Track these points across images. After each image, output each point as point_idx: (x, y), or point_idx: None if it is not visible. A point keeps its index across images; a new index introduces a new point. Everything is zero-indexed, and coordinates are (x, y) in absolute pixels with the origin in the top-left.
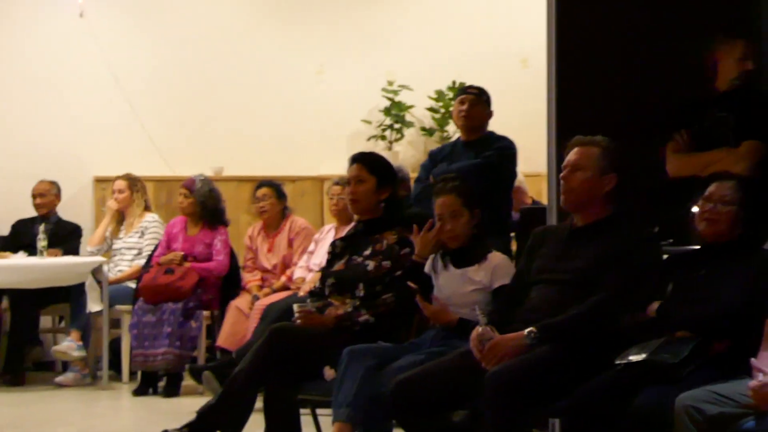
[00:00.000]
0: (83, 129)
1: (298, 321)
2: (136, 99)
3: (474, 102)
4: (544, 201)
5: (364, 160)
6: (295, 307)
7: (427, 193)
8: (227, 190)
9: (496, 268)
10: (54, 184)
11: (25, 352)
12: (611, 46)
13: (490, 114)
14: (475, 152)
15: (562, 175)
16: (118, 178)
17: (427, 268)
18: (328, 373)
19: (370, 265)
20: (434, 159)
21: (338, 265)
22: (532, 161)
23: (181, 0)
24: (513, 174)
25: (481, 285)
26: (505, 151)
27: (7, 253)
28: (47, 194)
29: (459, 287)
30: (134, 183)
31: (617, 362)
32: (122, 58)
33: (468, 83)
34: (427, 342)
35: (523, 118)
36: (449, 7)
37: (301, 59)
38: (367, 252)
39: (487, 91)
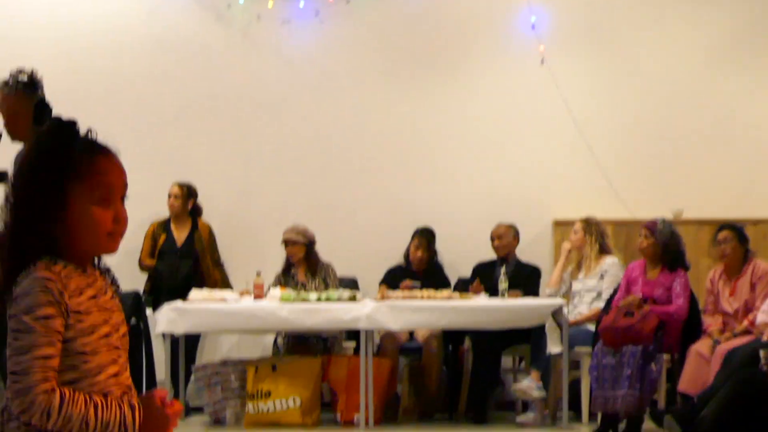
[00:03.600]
0: (544, 173)
1: (766, 368)
2: (595, 143)
3: None
4: None
5: None
6: (762, 353)
7: None
8: (687, 232)
9: None
10: (512, 227)
11: (487, 391)
12: None
13: None
14: None
15: None
16: (578, 221)
17: None
18: None
19: None
20: None
21: None
22: None
23: (640, 44)
24: None
25: None
26: None
27: (470, 294)
28: (505, 236)
29: None
30: (589, 225)
31: None
32: (582, 103)
33: None
34: None
35: None
36: None
37: None
38: None
39: None
